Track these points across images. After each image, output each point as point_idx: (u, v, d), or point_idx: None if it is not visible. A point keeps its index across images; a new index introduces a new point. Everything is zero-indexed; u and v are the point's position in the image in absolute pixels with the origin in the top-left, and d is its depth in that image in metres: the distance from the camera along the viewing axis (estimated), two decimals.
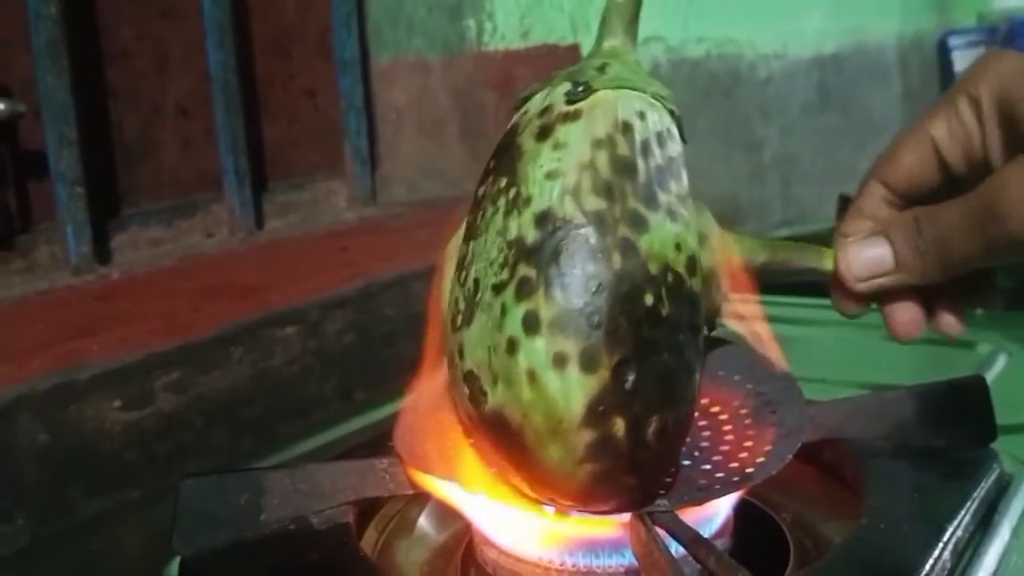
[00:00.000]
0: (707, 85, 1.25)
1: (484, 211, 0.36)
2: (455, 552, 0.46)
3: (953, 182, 0.40)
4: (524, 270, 0.34)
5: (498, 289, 0.34)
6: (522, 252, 0.34)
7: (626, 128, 0.35)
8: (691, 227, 0.36)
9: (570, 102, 0.36)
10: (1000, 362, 0.63)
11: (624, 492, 0.36)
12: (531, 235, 0.34)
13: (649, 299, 0.34)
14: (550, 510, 0.39)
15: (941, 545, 0.39)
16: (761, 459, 0.41)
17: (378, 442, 0.47)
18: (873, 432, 0.48)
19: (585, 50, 1.04)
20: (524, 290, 0.34)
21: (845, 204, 1.22)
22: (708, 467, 0.42)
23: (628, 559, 0.39)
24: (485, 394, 0.35)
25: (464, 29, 0.97)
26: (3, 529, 0.54)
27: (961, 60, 1.90)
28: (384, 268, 0.77)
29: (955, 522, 0.41)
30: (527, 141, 0.36)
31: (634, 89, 0.37)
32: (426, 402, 0.45)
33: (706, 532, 0.40)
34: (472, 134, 0.99)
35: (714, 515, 0.42)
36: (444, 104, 1.00)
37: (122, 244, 0.80)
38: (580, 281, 0.33)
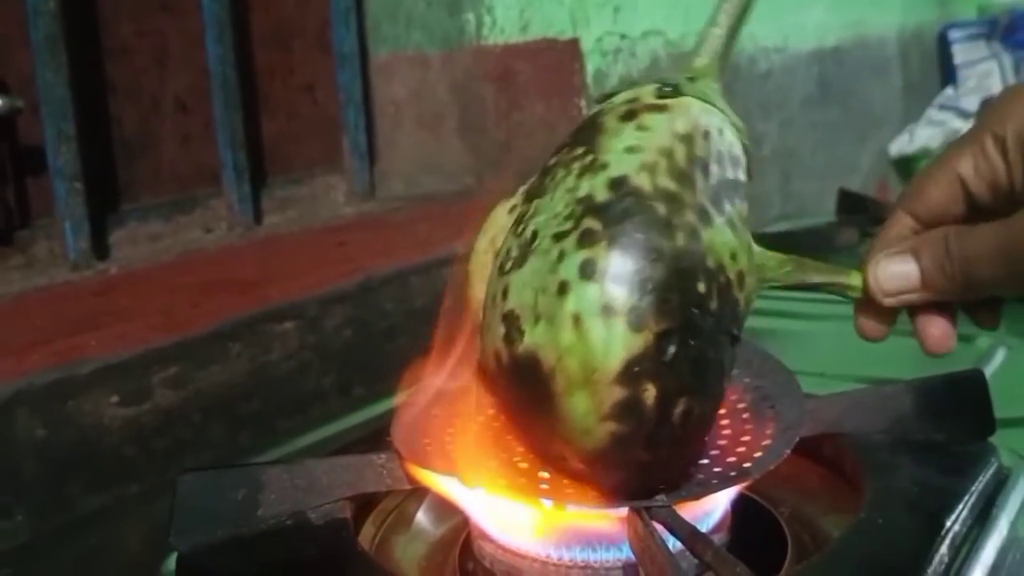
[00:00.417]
0: None
1: (554, 174, 0.37)
2: (453, 547, 0.46)
3: (979, 211, 0.41)
4: (590, 223, 0.35)
5: (559, 237, 0.35)
6: (590, 208, 0.35)
7: (706, 135, 0.37)
8: (744, 249, 0.37)
9: (659, 97, 0.38)
10: (999, 356, 0.63)
11: (632, 467, 0.36)
12: (602, 195, 0.35)
13: (701, 287, 0.35)
14: (548, 504, 0.39)
15: (939, 539, 0.39)
16: (759, 453, 0.41)
17: (376, 437, 0.47)
18: (872, 426, 0.47)
19: (585, 44, 1.04)
20: (587, 240, 0.34)
21: (845, 199, 1.22)
22: (706, 462, 0.42)
23: (625, 554, 0.39)
24: (522, 333, 0.35)
25: (463, 23, 0.97)
26: (2, 524, 0.54)
27: (961, 53, 1.90)
28: (383, 263, 0.77)
29: (953, 516, 0.41)
30: (610, 120, 0.38)
31: (719, 110, 0.39)
32: (424, 397, 0.45)
33: (704, 527, 0.40)
34: (471, 128, 0.99)
35: (712, 510, 0.42)
36: (443, 98, 1.00)
37: (121, 240, 0.80)
38: (643, 244, 0.34)
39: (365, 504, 0.47)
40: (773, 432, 0.43)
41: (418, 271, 0.77)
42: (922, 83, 1.86)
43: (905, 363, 0.47)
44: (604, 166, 0.36)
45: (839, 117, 1.57)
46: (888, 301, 0.41)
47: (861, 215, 1.09)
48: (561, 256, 0.34)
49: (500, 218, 0.42)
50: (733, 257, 0.36)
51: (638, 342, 0.34)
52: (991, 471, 0.45)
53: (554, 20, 1.01)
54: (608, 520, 0.39)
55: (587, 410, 0.34)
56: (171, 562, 0.43)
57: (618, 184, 0.35)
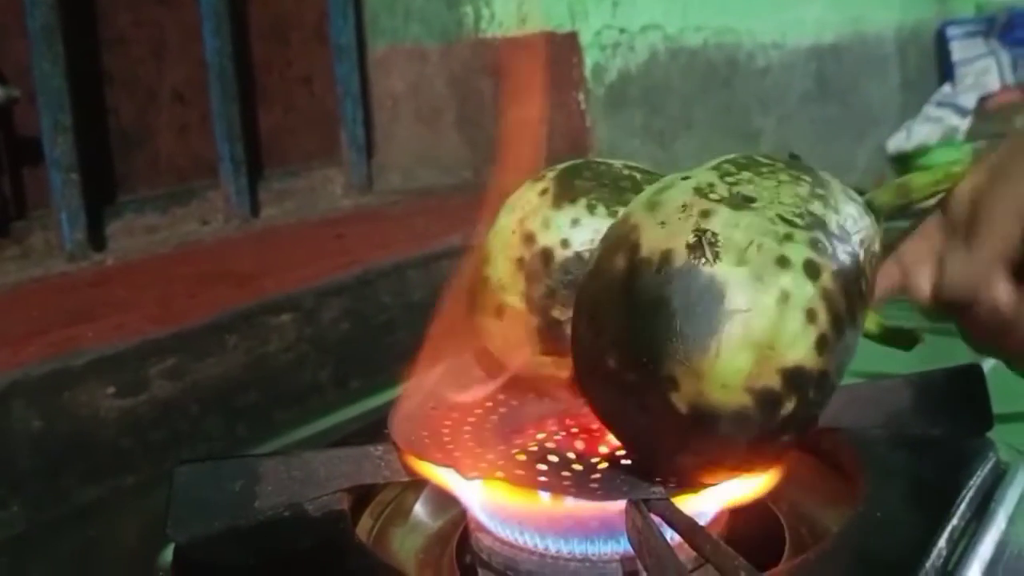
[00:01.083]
0: (705, 74, 1.25)
1: (771, 170, 0.38)
2: (450, 539, 0.46)
3: None
4: (822, 237, 0.36)
5: (787, 221, 0.36)
6: (821, 226, 0.36)
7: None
8: None
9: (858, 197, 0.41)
10: None
11: (722, 446, 0.36)
12: (834, 224, 0.37)
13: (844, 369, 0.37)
14: (545, 496, 0.39)
15: (937, 533, 0.39)
16: None
17: (373, 429, 0.46)
18: (870, 420, 0.47)
19: (583, 38, 1.04)
20: (818, 249, 0.35)
21: None
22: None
23: (624, 546, 0.39)
24: (717, 256, 0.34)
25: (462, 16, 0.97)
26: None
27: (959, 50, 1.90)
28: (380, 255, 0.77)
29: (951, 510, 0.41)
30: (832, 183, 0.39)
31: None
32: (423, 390, 0.45)
33: (702, 520, 0.40)
34: (469, 122, 0.99)
35: (710, 503, 0.42)
36: (441, 92, 0.99)
37: (117, 231, 0.80)
38: (855, 306, 0.36)
39: (362, 496, 0.47)
40: None
41: (415, 264, 0.77)
42: (920, 80, 1.86)
43: (903, 357, 0.47)
44: (835, 207, 0.38)
45: (837, 114, 1.57)
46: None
47: None
48: (789, 237, 0.35)
49: (530, 199, 0.42)
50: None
51: (812, 360, 0.35)
52: (989, 466, 0.45)
53: (552, 13, 1.01)
54: (606, 512, 0.39)
55: (740, 370, 0.34)
56: (168, 553, 0.42)
57: (846, 234, 0.37)
